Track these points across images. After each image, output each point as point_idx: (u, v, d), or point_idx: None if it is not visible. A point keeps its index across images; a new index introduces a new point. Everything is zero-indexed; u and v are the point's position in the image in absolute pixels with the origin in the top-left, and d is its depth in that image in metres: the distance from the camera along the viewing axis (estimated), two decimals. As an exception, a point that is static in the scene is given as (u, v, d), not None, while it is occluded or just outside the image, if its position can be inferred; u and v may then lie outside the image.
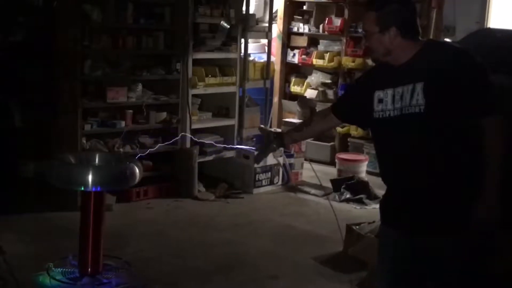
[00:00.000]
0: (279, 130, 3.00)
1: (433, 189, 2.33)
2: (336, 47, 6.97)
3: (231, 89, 5.93)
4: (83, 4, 4.94)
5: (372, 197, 5.64)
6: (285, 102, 7.41)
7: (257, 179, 5.83)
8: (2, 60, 5.15)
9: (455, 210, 2.32)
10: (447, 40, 5.12)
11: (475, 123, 2.27)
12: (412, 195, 2.38)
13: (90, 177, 3.14)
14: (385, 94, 2.38)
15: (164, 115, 5.54)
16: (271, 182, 5.97)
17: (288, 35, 7.35)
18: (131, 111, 5.33)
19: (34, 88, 5.23)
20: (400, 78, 2.35)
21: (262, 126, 5.01)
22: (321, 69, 7.12)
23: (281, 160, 6.00)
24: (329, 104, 6.71)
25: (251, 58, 6.33)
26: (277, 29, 7.24)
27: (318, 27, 7.09)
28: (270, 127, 6.89)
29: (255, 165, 5.67)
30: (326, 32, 6.97)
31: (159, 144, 5.06)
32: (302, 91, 7.16)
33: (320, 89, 7.04)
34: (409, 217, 2.40)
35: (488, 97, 2.27)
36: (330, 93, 6.98)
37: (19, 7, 5.24)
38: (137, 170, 3.35)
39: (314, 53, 7.06)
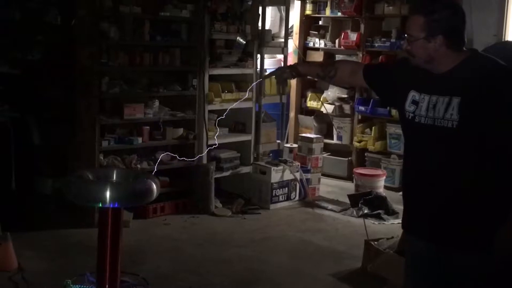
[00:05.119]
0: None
1: (458, 206, 2.25)
2: (352, 62, 6.95)
3: (248, 104, 5.94)
4: (100, 22, 4.99)
5: (390, 212, 5.58)
6: (302, 117, 7.40)
7: (274, 194, 5.81)
8: (21, 78, 5.22)
9: (483, 228, 2.23)
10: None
11: (508, 142, 2.18)
12: (436, 208, 2.29)
13: (107, 194, 3.14)
14: (421, 99, 2.29)
15: (180, 131, 5.56)
16: (288, 198, 5.94)
17: (304, 50, 7.35)
18: (148, 127, 5.36)
19: (52, 106, 5.28)
20: (437, 87, 2.26)
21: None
22: (337, 83, 7.10)
23: (298, 175, 5.97)
24: (347, 118, 6.87)
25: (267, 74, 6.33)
26: (293, 44, 7.25)
27: (334, 42, 7.09)
28: (287, 142, 6.87)
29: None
30: (342, 47, 6.97)
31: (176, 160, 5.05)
32: (319, 106, 7.15)
33: (337, 103, 7.02)
34: (433, 231, 2.31)
35: None
36: (347, 108, 6.96)
37: (37, 26, 5.32)
38: (154, 186, 3.34)
39: (330, 68, 7.03)
